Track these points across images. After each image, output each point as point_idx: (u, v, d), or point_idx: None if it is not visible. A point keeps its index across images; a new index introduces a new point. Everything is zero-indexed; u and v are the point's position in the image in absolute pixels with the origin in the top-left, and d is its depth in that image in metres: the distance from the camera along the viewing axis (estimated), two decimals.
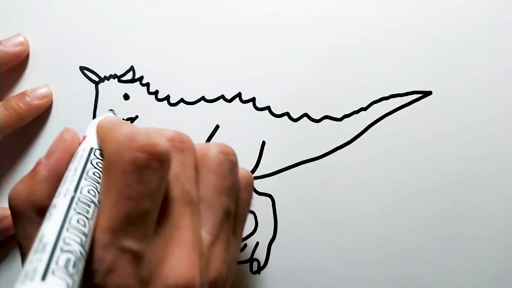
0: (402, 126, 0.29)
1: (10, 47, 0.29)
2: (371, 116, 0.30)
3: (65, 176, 0.20)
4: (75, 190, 0.19)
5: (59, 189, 0.19)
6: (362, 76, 0.29)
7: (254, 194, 0.30)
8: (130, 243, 0.19)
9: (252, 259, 0.30)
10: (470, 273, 0.30)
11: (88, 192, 0.19)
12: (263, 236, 0.30)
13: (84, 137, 0.23)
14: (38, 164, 0.22)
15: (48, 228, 0.17)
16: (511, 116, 0.29)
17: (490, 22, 0.29)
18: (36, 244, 0.17)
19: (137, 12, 0.30)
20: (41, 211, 0.21)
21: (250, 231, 0.30)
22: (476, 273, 0.30)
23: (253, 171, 0.30)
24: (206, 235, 0.23)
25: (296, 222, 0.30)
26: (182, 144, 0.23)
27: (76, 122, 0.29)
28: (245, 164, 0.29)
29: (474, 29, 0.29)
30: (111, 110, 0.30)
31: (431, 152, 0.29)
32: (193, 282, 0.20)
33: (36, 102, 0.29)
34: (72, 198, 0.19)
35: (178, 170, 0.22)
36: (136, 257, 0.19)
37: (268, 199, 0.30)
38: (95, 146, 0.22)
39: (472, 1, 0.29)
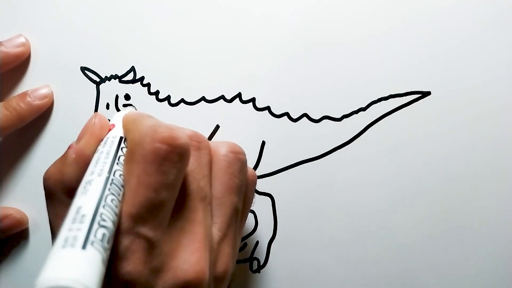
0: (401, 126, 0.30)
1: (11, 48, 0.29)
2: (370, 116, 0.30)
3: (96, 157, 0.21)
4: (109, 171, 0.20)
5: (92, 168, 0.20)
6: (361, 77, 0.29)
7: (255, 194, 0.30)
8: (146, 231, 0.20)
9: (252, 258, 0.31)
10: (468, 271, 0.30)
11: (119, 176, 0.20)
12: (263, 235, 0.30)
13: (113, 125, 0.24)
14: (68, 147, 0.23)
15: (86, 202, 0.18)
16: (509, 116, 0.29)
17: (489, 23, 0.29)
18: (73, 214, 0.17)
19: (138, 13, 0.30)
20: (70, 191, 0.21)
21: (250, 230, 0.30)
22: (475, 271, 0.30)
23: None
24: (216, 231, 0.23)
25: (296, 221, 0.30)
26: (200, 143, 0.23)
27: (77, 123, 0.29)
28: None
29: (473, 29, 0.29)
30: (132, 106, 0.30)
31: (429, 152, 0.30)
32: (202, 276, 0.21)
33: (37, 102, 0.29)
34: (107, 179, 0.19)
35: (194, 167, 0.23)
36: (150, 245, 0.20)
37: (268, 198, 0.30)
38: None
39: (471, 2, 0.29)
